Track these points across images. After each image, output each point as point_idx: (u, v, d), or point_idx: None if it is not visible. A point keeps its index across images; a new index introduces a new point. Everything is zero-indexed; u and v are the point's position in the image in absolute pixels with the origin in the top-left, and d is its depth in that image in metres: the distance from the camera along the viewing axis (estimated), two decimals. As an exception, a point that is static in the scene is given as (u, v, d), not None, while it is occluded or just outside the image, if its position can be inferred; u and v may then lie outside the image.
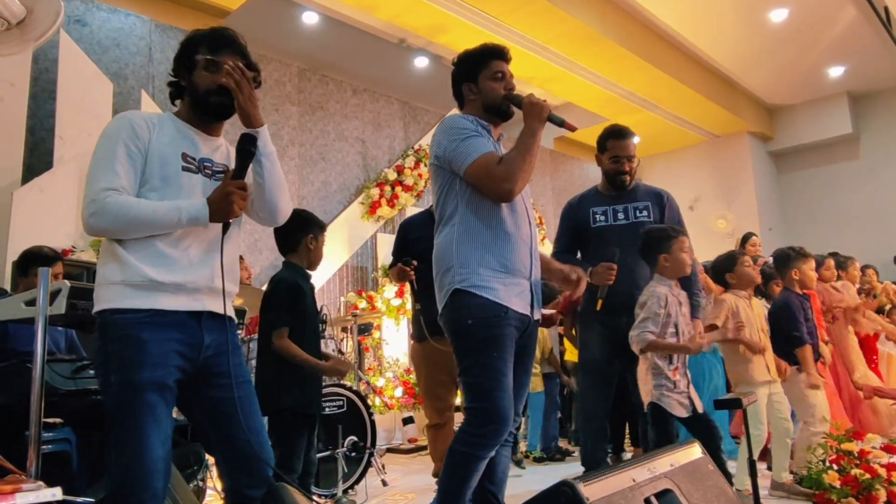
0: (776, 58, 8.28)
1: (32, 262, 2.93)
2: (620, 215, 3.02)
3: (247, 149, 1.67)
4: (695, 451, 1.98)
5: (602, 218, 3.04)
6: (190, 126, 1.74)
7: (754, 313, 3.19)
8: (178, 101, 1.81)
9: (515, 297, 2.05)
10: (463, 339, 2.04)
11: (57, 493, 1.26)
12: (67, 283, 2.16)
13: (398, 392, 5.77)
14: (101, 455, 2.75)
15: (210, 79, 1.70)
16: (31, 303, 2.25)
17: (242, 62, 1.71)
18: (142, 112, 1.71)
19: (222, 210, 1.62)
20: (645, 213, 3.00)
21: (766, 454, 3.36)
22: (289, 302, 2.51)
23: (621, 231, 2.98)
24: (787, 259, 3.49)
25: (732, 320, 3.05)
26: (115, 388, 1.53)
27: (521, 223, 2.14)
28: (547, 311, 3.88)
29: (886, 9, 6.97)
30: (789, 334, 3.30)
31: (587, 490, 1.50)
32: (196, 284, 1.63)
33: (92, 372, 2.50)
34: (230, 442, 1.65)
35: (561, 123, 2.13)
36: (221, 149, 1.80)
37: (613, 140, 3.02)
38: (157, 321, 1.56)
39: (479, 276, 2.02)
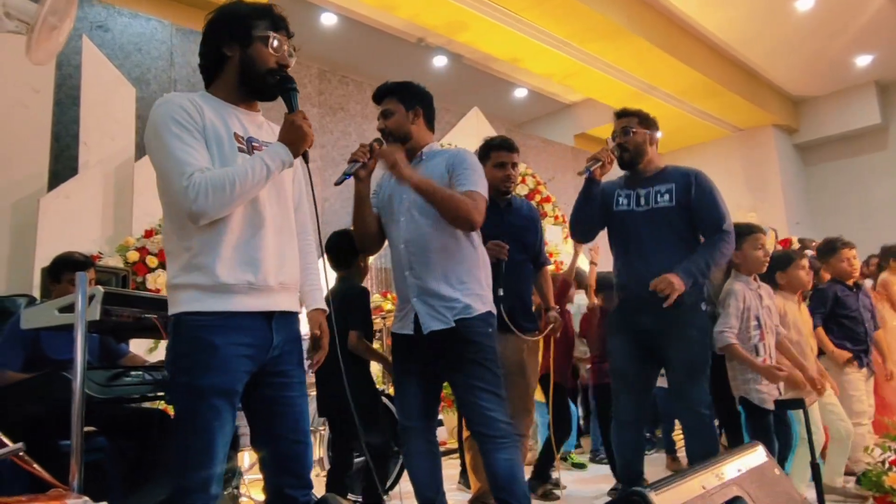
0: (802, 48, 8.12)
1: (65, 268, 2.89)
2: (642, 200, 2.77)
3: (287, 87, 1.66)
4: (760, 455, 1.88)
5: (624, 202, 2.80)
6: (229, 104, 1.67)
7: (802, 319, 3.06)
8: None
9: (399, 321, 2.29)
10: None
11: (106, 508, 1.21)
12: (101, 288, 2.11)
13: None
14: (135, 464, 2.72)
15: (273, 58, 1.65)
16: (65, 309, 2.20)
17: (289, 43, 1.70)
18: (180, 94, 1.63)
19: (297, 139, 1.61)
20: (667, 196, 2.72)
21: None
22: (365, 310, 2.88)
23: (641, 218, 2.75)
24: (830, 250, 3.39)
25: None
26: (182, 390, 1.52)
27: (396, 253, 2.28)
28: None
29: (917, -6, 6.80)
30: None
31: (658, 499, 1.41)
32: (267, 282, 1.59)
33: (127, 380, 2.45)
34: (279, 441, 1.65)
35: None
36: (264, 126, 1.75)
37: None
38: (228, 324, 1.53)
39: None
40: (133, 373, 2.49)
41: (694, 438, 2.57)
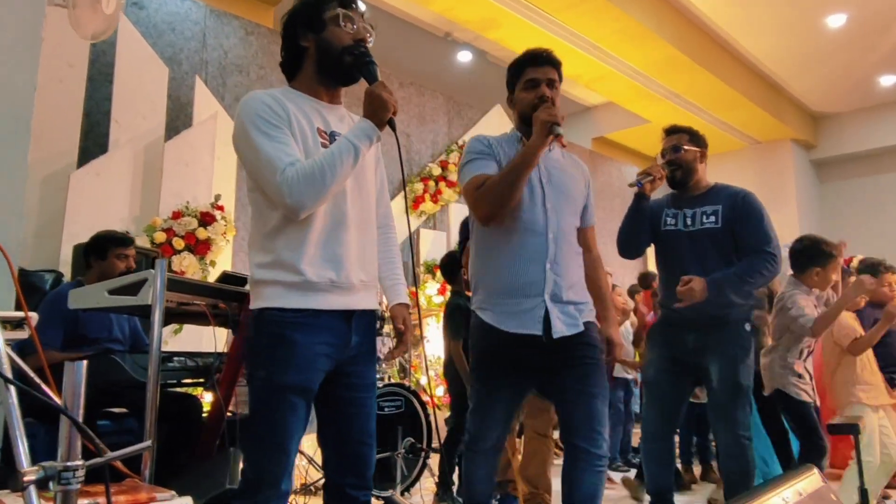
0: (828, 64, 8.09)
1: (110, 244, 2.87)
2: (689, 220, 2.74)
3: (364, 61, 1.62)
4: (816, 479, 1.87)
5: (672, 222, 2.78)
6: (312, 97, 1.67)
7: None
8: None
9: (516, 318, 1.99)
10: (470, 354, 2.18)
11: (188, 501, 1.20)
12: (159, 264, 2.10)
13: (439, 391, 5.69)
14: (166, 448, 2.71)
15: (348, 35, 1.63)
16: (115, 291, 2.19)
17: (363, 20, 1.68)
18: (262, 91, 1.62)
19: (379, 109, 1.57)
20: (713, 218, 2.69)
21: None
22: (457, 320, 3.36)
23: (686, 238, 2.72)
24: (872, 272, 3.38)
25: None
26: (260, 384, 1.52)
27: (535, 239, 2.03)
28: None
29: (949, 17, 6.77)
30: None
31: (735, 522, 1.40)
32: (349, 279, 1.59)
33: (171, 365, 2.44)
34: (346, 441, 1.65)
35: (557, 136, 1.98)
36: (346, 119, 1.73)
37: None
38: (311, 322, 1.53)
39: (480, 297, 2.10)
40: (176, 358, 2.48)
41: (731, 460, 2.56)
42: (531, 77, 2.11)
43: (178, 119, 4.91)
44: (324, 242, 1.56)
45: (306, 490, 3.34)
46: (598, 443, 2.01)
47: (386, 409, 3.48)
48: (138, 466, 1.67)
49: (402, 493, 3.44)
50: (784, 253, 4.94)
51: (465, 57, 7.97)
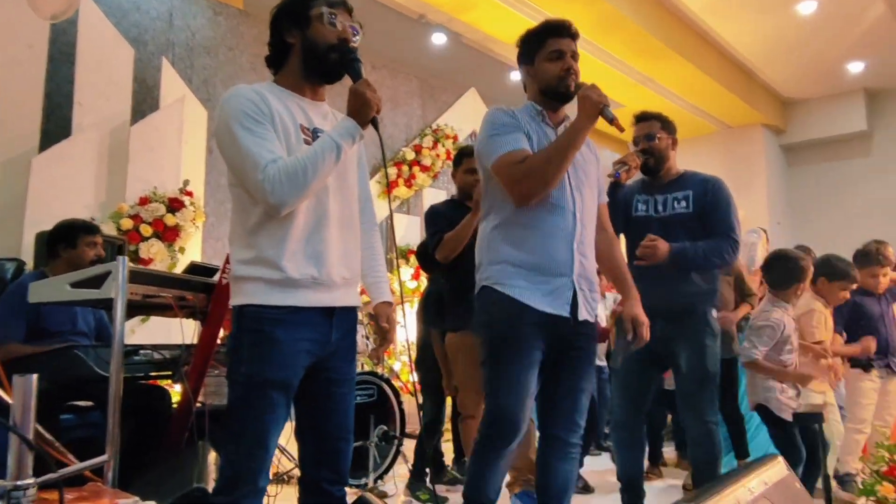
0: (798, 50, 8.17)
1: (80, 232, 2.79)
2: (660, 206, 2.77)
3: (349, 58, 1.62)
4: (781, 468, 1.91)
5: (643, 208, 2.80)
6: (295, 94, 1.66)
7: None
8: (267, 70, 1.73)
9: (544, 296, 1.95)
10: (482, 334, 2.04)
11: (152, 506, 1.18)
12: (120, 260, 2.04)
13: (414, 377, 5.68)
14: (132, 441, 2.66)
15: (333, 33, 1.63)
16: (78, 285, 2.13)
17: (350, 19, 1.69)
18: (245, 85, 1.61)
19: (363, 107, 1.58)
20: (685, 203, 2.73)
21: None
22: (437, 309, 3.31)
23: (658, 224, 2.75)
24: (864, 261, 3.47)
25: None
26: (242, 380, 1.53)
27: (563, 218, 2.00)
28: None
29: (917, 5, 6.87)
30: None
31: (701, 515, 1.42)
32: (331, 277, 1.59)
33: (137, 359, 2.39)
34: (323, 436, 1.66)
35: (612, 120, 1.96)
36: (329, 116, 1.73)
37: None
38: (292, 319, 1.54)
39: (503, 273, 1.98)
40: (142, 351, 2.43)
41: (699, 447, 2.62)
42: (556, 48, 2.05)
43: (145, 102, 4.78)
44: (306, 239, 1.56)
45: (279, 479, 3.32)
46: (576, 433, 2.07)
47: (359, 398, 3.47)
48: (101, 468, 1.63)
49: (375, 481, 3.44)
50: (751, 238, 4.98)
51: (439, 39, 7.86)
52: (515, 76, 8.69)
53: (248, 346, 1.52)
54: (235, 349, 1.55)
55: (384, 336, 1.81)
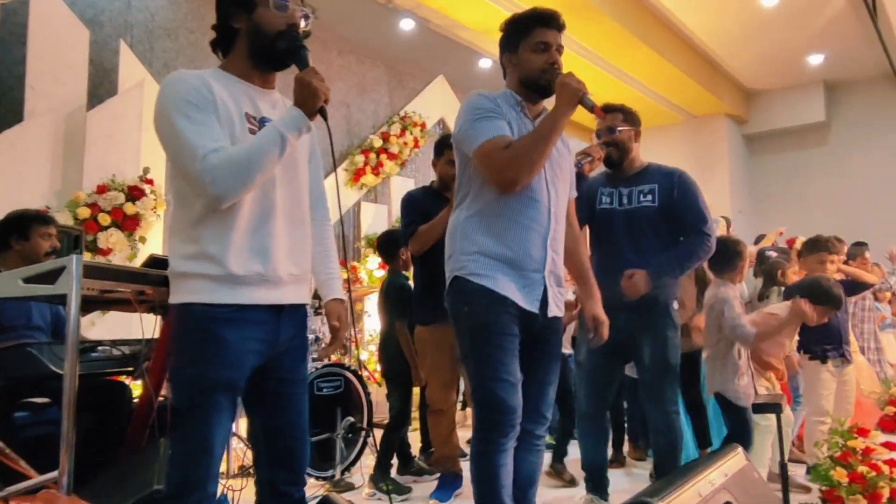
0: (761, 42, 8.30)
1: (34, 223, 2.68)
2: (625, 199, 2.76)
3: (295, 45, 1.55)
4: (740, 459, 1.96)
5: (607, 200, 2.80)
6: (242, 80, 1.59)
7: None
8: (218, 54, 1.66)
9: (518, 290, 1.94)
10: (460, 325, 2.00)
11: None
12: (73, 258, 1.97)
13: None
14: (91, 437, 2.59)
15: (282, 19, 1.55)
16: (31, 280, 2.05)
17: (301, 4, 1.60)
18: (187, 70, 1.53)
19: (310, 98, 1.49)
20: (650, 196, 2.73)
21: None
22: (403, 301, 3.34)
23: (622, 217, 2.76)
24: (813, 249, 3.58)
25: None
26: (187, 382, 1.47)
27: (538, 212, 1.98)
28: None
29: (874, 0, 7.02)
30: None
31: (664, 508, 1.45)
32: (277, 273, 1.53)
33: (94, 355, 2.32)
34: (277, 437, 1.62)
35: (592, 108, 1.94)
36: (279, 104, 1.65)
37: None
38: (238, 317, 1.48)
39: (479, 264, 1.95)
40: (100, 348, 2.36)
41: (662, 436, 2.67)
42: (543, 39, 2.00)
43: (102, 86, 4.62)
44: (251, 233, 1.50)
45: (245, 473, 3.29)
46: (543, 425, 2.10)
47: (325, 390, 3.45)
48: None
49: (342, 473, 3.43)
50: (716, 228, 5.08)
51: (407, 25, 7.76)
52: (484, 63, 8.65)
53: (192, 346, 1.46)
54: (179, 349, 1.49)
55: (335, 335, 1.75)
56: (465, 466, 2.44)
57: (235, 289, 1.47)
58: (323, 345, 3.90)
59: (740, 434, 2.80)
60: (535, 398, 2.04)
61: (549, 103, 2.05)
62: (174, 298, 1.49)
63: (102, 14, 4.76)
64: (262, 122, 1.56)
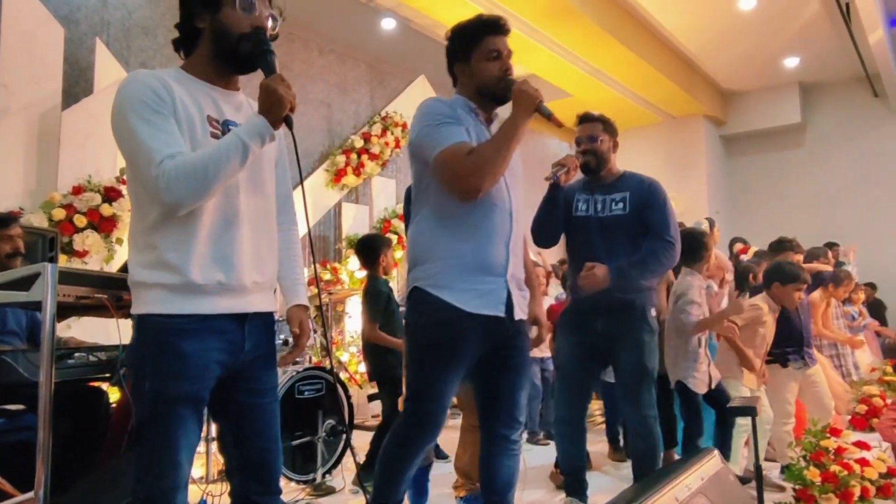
0: (738, 44, 8.41)
1: None
2: (599, 206, 2.80)
3: (262, 49, 1.50)
4: (716, 462, 1.98)
5: (584, 207, 2.83)
6: (205, 82, 1.54)
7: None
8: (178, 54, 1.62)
9: (480, 297, 1.92)
10: (410, 336, 2.03)
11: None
12: (53, 266, 1.94)
13: (362, 367, 5.66)
14: (68, 444, 2.56)
15: (247, 21, 1.51)
16: (4, 286, 2.01)
17: (269, 5, 1.57)
18: (147, 71, 1.48)
19: (275, 106, 1.43)
20: (621, 205, 2.76)
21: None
22: (378, 304, 3.42)
23: (596, 224, 2.79)
24: (778, 250, 3.67)
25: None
26: (148, 396, 1.42)
27: (498, 216, 1.98)
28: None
29: (848, 4, 7.14)
30: None
31: (643, 514, 1.47)
32: (241, 281, 1.49)
33: (71, 362, 2.29)
34: (248, 447, 1.58)
35: (549, 117, 1.95)
36: (244, 107, 1.61)
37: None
38: (199, 327, 1.43)
39: (442, 274, 1.93)
40: (77, 354, 2.33)
41: (639, 439, 2.70)
42: (494, 47, 2.00)
43: (77, 85, 4.55)
44: (213, 241, 1.45)
45: (224, 478, 3.26)
46: (517, 429, 2.10)
47: (306, 393, 3.43)
48: (32, 480, 1.56)
49: (323, 476, 3.42)
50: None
51: (388, 24, 7.74)
52: (465, 63, 8.67)
53: (151, 359, 1.41)
54: (139, 362, 1.44)
55: (296, 342, 1.71)
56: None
57: (195, 298, 1.42)
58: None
59: (693, 420, 3.10)
60: (507, 403, 2.05)
61: (502, 110, 2.06)
62: (134, 309, 1.44)
63: (78, 11, 4.68)
64: (226, 124, 1.52)
